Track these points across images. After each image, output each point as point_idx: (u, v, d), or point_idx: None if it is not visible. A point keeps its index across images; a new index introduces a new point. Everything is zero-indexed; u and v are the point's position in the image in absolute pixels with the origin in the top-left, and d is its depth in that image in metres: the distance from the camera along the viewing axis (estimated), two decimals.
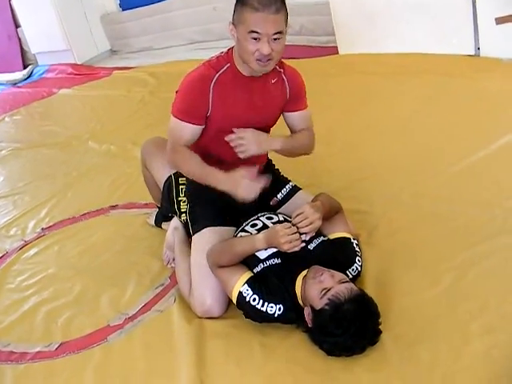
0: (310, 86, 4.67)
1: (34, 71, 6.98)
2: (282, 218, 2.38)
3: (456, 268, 2.36)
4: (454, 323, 2.10)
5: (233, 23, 2.17)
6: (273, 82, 2.32)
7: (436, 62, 4.56)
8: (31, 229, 3.33)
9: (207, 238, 2.35)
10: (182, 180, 2.56)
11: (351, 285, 2.00)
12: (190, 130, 2.30)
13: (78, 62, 6.73)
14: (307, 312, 2.01)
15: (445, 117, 3.72)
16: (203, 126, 2.31)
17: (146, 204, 3.28)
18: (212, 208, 2.38)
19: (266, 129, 2.46)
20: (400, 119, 3.79)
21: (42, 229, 3.29)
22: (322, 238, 2.27)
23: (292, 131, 2.52)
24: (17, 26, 7.13)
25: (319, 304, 1.95)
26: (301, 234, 2.12)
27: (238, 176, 2.21)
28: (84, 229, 3.23)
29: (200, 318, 2.32)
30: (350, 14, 4.92)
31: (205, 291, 2.29)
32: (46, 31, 6.69)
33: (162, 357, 2.19)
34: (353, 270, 2.22)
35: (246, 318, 2.19)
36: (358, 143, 3.45)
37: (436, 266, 2.39)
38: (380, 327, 2.00)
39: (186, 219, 2.54)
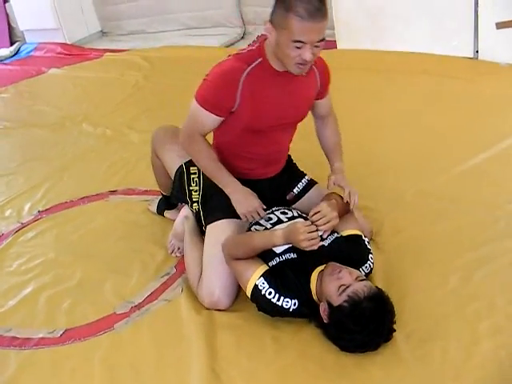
0: None
1: (22, 48, 6.85)
2: (296, 214, 2.38)
3: (463, 268, 2.39)
4: (463, 323, 2.12)
5: (271, 23, 2.08)
6: (304, 74, 2.27)
7: (435, 63, 4.59)
8: (27, 211, 3.27)
9: (222, 229, 2.33)
10: (193, 169, 2.53)
11: (369, 283, 2.01)
12: (211, 120, 2.27)
13: (68, 42, 6.63)
14: (323, 308, 2.01)
15: (446, 117, 3.76)
16: (223, 118, 2.28)
17: (146, 191, 3.25)
18: (227, 199, 2.35)
19: (294, 125, 2.46)
20: (401, 118, 3.81)
21: (39, 211, 3.24)
22: (335, 235, 2.27)
23: (315, 114, 2.56)
24: (5, 1, 6.99)
25: (337, 300, 1.95)
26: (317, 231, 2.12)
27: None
28: (83, 213, 3.17)
29: (208, 309, 2.31)
30: (351, 10, 4.93)
31: (214, 283, 2.28)
32: (35, 8, 6.57)
33: (172, 347, 2.17)
34: (366, 267, 2.22)
35: (259, 311, 2.18)
36: (360, 140, 3.45)
37: (443, 266, 2.42)
38: (394, 326, 2.01)
39: (198, 208, 2.51)
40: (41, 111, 4.87)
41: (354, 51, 5.04)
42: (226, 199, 2.35)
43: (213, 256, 2.31)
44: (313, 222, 2.10)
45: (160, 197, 2.97)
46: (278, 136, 2.44)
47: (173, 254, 2.68)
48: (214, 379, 2.00)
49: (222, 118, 2.27)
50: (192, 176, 2.53)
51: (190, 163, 2.53)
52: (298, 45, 2.02)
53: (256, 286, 2.10)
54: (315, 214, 2.13)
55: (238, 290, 2.33)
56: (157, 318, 2.33)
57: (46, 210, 3.26)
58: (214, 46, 5.90)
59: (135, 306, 2.40)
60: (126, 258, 2.72)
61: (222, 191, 2.36)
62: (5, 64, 6.46)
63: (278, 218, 2.33)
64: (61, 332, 2.32)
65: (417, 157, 3.27)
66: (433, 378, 1.93)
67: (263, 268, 2.13)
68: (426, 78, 4.41)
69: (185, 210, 2.66)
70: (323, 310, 2.01)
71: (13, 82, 5.70)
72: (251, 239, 2.18)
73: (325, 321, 2.01)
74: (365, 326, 1.91)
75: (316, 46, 2.05)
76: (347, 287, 1.95)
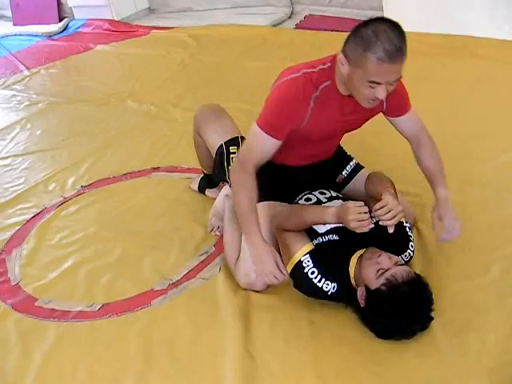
0: None
1: (70, 24, 6.89)
2: (334, 194, 2.36)
3: (505, 258, 2.34)
4: (503, 315, 2.08)
5: (345, 56, 1.93)
6: None
7: (485, 46, 4.49)
8: (70, 185, 3.29)
9: (261, 211, 2.30)
10: (232, 149, 2.51)
11: (408, 268, 1.98)
12: (272, 145, 2.13)
13: (116, 19, 6.65)
14: (360, 292, 1.99)
15: (494, 103, 3.68)
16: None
17: (189, 169, 3.25)
18: (270, 180, 2.34)
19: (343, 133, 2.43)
20: (448, 102, 3.73)
21: (82, 186, 3.26)
22: (376, 219, 2.22)
23: (402, 134, 2.37)
24: None
25: (375, 284, 1.93)
26: (372, 217, 2.05)
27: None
28: (125, 189, 3.19)
29: (244, 289, 2.31)
30: None
31: (251, 265, 2.25)
32: None
33: (208, 326, 2.17)
34: (405, 255, 2.18)
35: (295, 287, 2.17)
36: None
37: (485, 255, 2.37)
38: (432, 314, 1.98)
39: None
40: (87, 87, 4.89)
41: None
42: (268, 180, 2.33)
43: None
44: (378, 216, 2.00)
45: (202, 175, 2.97)
46: (333, 140, 2.42)
47: (212, 233, 2.67)
48: (248, 360, 1.99)
49: (282, 141, 2.16)
50: (232, 156, 2.50)
51: (230, 142, 2.52)
52: (373, 85, 1.91)
53: (300, 263, 2.08)
54: (381, 208, 2.01)
55: None
56: (194, 296, 2.34)
57: (89, 185, 3.27)
58: (261, 25, 5.86)
59: (173, 284, 2.41)
60: (166, 236, 2.72)
61: (270, 173, 2.33)
62: (53, 40, 6.51)
63: (318, 198, 2.31)
64: (99, 306, 2.34)
65: (463, 143, 3.19)
66: (468, 369, 1.89)
67: (310, 246, 2.11)
68: (475, 62, 4.31)
69: (226, 189, 2.65)
70: (360, 294, 1.99)
71: (60, 57, 5.74)
72: (304, 212, 2.14)
73: (362, 305, 1.99)
74: (401, 310, 1.88)
75: (391, 84, 1.94)
76: (386, 271, 1.93)
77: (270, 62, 4.83)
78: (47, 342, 2.19)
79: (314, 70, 2.09)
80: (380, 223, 2.00)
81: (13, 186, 3.35)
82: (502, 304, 2.12)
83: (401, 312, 1.89)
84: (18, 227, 2.94)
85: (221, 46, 5.40)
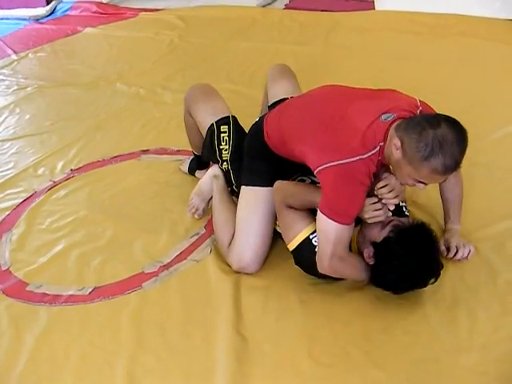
0: (346, 41, 4.62)
1: (58, 7, 6.78)
2: None
3: (495, 237, 2.35)
4: (494, 293, 2.09)
5: (402, 145, 1.82)
6: None
7: (475, 25, 4.48)
8: (60, 169, 3.27)
9: (258, 196, 2.30)
10: (223, 128, 2.51)
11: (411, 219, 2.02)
12: (351, 229, 2.01)
13: (104, 1, 6.58)
14: (367, 252, 2.00)
15: (483, 81, 3.67)
16: None
17: (179, 150, 3.24)
18: (269, 165, 2.33)
19: None
20: (437, 81, 3.71)
21: (71, 170, 3.24)
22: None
23: None
24: None
25: (382, 234, 1.96)
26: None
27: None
28: (115, 172, 3.17)
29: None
30: None
31: (245, 249, 2.27)
32: None
33: (199, 307, 2.18)
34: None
35: (296, 264, 2.18)
36: None
37: (475, 233, 2.37)
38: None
39: (228, 168, 2.50)
40: (75, 70, 4.84)
41: (391, 12, 4.93)
42: (266, 165, 2.33)
43: (245, 221, 2.30)
44: (381, 195, 1.99)
45: (192, 157, 2.96)
46: None
47: (190, 215, 2.65)
48: (241, 341, 2.00)
49: None
50: (222, 135, 2.50)
51: (220, 121, 2.51)
52: (419, 184, 1.88)
53: (310, 240, 2.08)
54: (382, 187, 1.99)
55: (267, 255, 2.33)
56: (185, 278, 2.34)
57: (79, 168, 3.26)
58: (250, 6, 5.79)
59: (164, 266, 2.41)
60: (157, 218, 2.72)
61: (267, 158, 2.32)
62: (41, 23, 6.42)
63: (312, 180, 2.30)
64: (90, 290, 2.34)
65: None
66: (459, 346, 1.91)
67: None
68: (465, 41, 4.30)
69: (213, 169, 2.64)
70: (368, 254, 2.00)
71: (48, 41, 5.66)
72: (311, 193, 2.11)
73: (371, 263, 2.00)
74: (412, 249, 1.90)
75: None
76: (390, 221, 1.97)
77: (260, 42, 4.81)
78: (39, 326, 2.19)
79: (371, 154, 1.92)
80: (383, 201, 1.99)
81: (2, 171, 3.33)
82: (492, 282, 2.13)
83: (411, 251, 1.90)
84: (8, 212, 2.93)
85: (210, 27, 5.34)
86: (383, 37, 4.58)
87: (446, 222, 2.30)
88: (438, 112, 2.01)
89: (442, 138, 1.75)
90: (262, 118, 2.41)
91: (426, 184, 1.90)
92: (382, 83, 2.57)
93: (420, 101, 2.06)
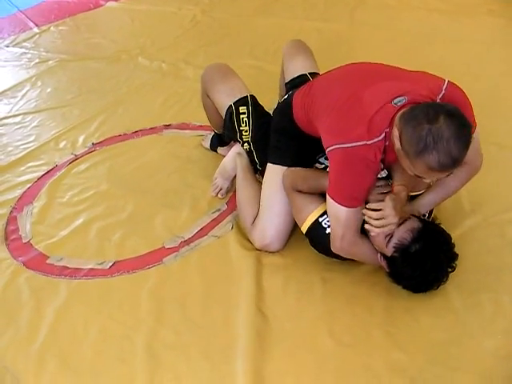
0: (371, 18, 4.54)
1: None
2: None
3: None
4: None
5: (400, 135, 1.73)
6: None
7: (503, 4, 4.38)
8: (81, 143, 3.27)
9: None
10: (242, 109, 2.49)
11: (411, 223, 1.91)
12: (359, 212, 1.96)
13: None
14: (381, 257, 1.98)
15: (509, 64, 3.58)
16: None
17: (200, 126, 3.21)
18: (298, 144, 2.29)
19: None
20: (463, 61, 3.63)
21: (93, 144, 3.23)
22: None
23: None
24: None
25: (388, 251, 1.92)
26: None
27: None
28: (136, 147, 3.16)
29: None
30: None
31: (269, 227, 2.25)
32: None
33: (220, 283, 2.17)
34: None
35: (311, 245, 2.16)
36: None
37: (500, 216, 2.33)
38: (454, 250, 1.93)
39: (250, 148, 2.49)
40: (97, 44, 4.82)
41: None
42: (293, 143, 2.30)
43: (270, 199, 2.28)
44: (367, 218, 1.92)
45: (213, 133, 2.93)
46: None
47: (214, 194, 2.63)
48: (261, 318, 1.99)
49: None
50: (242, 116, 2.48)
51: (238, 102, 2.50)
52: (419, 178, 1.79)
53: (319, 223, 2.06)
54: (375, 210, 1.91)
55: (290, 234, 2.31)
56: (206, 253, 2.32)
57: (100, 142, 3.25)
58: None
59: (184, 241, 2.39)
60: (178, 193, 2.70)
61: (294, 137, 2.29)
62: None
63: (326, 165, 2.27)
64: (110, 264, 2.34)
65: (479, 102, 3.10)
66: (482, 330, 1.88)
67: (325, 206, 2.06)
68: (492, 20, 4.22)
69: (236, 147, 2.62)
70: (381, 259, 1.98)
71: (70, 14, 5.65)
72: (320, 178, 2.09)
73: (387, 270, 1.99)
74: (422, 266, 1.87)
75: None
76: (391, 236, 1.90)
77: (284, 19, 4.76)
78: (59, 299, 2.19)
79: (377, 141, 1.85)
80: (365, 226, 1.93)
81: (23, 144, 3.33)
82: None
83: (423, 268, 1.87)
84: (29, 185, 2.93)
85: (233, 3, 5.29)
86: (409, 15, 4.50)
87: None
88: (466, 93, 1.92)
89: (438, 133, 1.62)
90: (290, 95, 2.37)
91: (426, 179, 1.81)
92: (407, 62, 2.51)
93: (450, 83, 1.94)
